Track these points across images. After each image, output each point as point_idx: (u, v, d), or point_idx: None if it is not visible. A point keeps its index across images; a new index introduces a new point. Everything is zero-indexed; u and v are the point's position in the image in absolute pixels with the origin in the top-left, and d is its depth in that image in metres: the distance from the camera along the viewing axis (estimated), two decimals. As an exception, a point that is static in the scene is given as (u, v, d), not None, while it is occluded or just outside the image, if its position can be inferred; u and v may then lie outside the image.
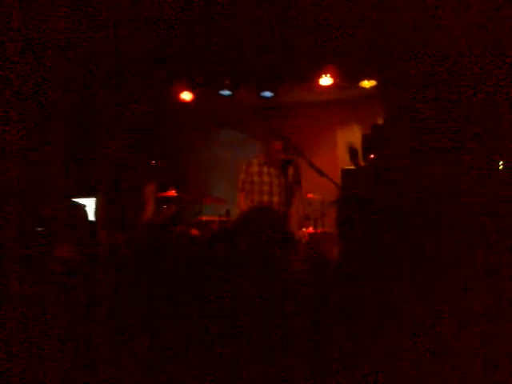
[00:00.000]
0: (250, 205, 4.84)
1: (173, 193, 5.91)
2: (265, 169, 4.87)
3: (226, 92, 6.56)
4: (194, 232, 5.25)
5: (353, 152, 4.94)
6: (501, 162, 4.00)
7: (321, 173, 4.51)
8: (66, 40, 4.77)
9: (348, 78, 6.29)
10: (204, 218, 5.68)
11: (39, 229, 4.22)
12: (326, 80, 6.21)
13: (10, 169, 3.95)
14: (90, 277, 3.63)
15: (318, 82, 6.25)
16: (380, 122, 5.53)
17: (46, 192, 4.74)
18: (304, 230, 5.51)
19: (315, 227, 5.31)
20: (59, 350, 3.02)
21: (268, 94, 6.58)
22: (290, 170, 4.80)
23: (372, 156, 4.96)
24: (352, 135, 7.20)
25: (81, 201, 5.44)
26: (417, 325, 3.18)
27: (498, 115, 3.98)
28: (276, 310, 3.34)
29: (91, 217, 5.03)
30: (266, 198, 4.82)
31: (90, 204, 5.19)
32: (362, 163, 4.83)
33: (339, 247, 5.10)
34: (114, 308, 3.38)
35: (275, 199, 4.81)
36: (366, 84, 6.21)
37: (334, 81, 6.22)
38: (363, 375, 2.81)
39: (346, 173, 4.90)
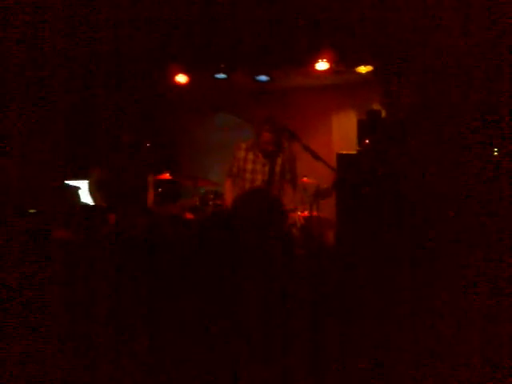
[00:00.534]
0: (236, 191, 4.83)
1: (167, 176, 5.90)
2: (251, 155, 4.83)
3: (222, 75, 6.54)
4: (189, 216, 5.25)
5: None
6: (495, 149, 4.03)
7: (316, 157, 4.52)
8: (66, 40, 4.75)
9: (344, 63, 6.27)
10: (198, 202, 5.67)
11: (33, 211, 4.21)
12: (322, 65, 6.19)
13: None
14: (90, 261, 3.63)
15: (314, 66, 6.23)
16: (376, 107, 5.54)
17: (41, 175, 4.73)
18: (299, 213, 5.53)
19: (310, 211, 5.32)
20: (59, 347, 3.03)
21: (264, 77, 6.56)
22: (279, 160, 4.81)
23: (367, 141, 4.98)
24: (347, 120, 7.21)
25: (75, 183, 5.45)
26: (415, 315, 3.21)
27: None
28: (275, 303, 3.37)
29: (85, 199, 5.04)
30: (249, 185, 4.80)
31: (83, 186, 5.20)
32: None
33: (335, 231, 5.13)
34: (112, 303, 3.39)
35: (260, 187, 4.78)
36: (363, 69, 6.20)
37: (330, 66, 6.20)
38: (363, 375, 2.84)
39: (341, 158, 4.91)
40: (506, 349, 2.88)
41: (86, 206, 4.83)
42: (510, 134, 3.90)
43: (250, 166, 4.83)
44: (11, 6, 4.02)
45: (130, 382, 2.83)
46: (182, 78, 6.65)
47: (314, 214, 5.31)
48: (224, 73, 6.50)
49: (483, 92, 4.14)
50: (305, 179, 5.87)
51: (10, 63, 4.13)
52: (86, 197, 5.02)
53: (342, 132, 7.34)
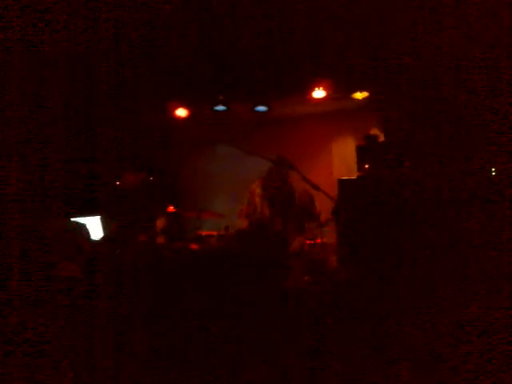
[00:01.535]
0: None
1: (171, 209, 5.97)
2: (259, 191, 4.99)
3: (221, 107, 6.64)
4: (194, 246, 5.29)
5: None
6: (493, 169, 4.07)
7: (315, 187, 4.61)
8: (66, 40, 4.81)
9: (340, 90, 6.37)
10: (203, 233, 5.73)
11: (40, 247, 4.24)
12: (318, 93, 6.29)
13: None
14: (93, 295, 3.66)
15: (311, 94, 6.33)
16: (373, 132, 5.62)
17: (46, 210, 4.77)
18: (305, 241, 5.59)
19: (314, 238, 5.39)
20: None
21: (262, 108, 6.66)
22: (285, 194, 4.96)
23: (367, 166, 5.04)
24: (347, 146, 7.28)
25: (81, 220, 5.48)
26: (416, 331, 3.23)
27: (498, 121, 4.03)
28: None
29: (94, 235, 5.07)
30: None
31: (90, 223, 5.24)
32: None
33: (338, 256, 5.17)
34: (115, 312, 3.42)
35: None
36: (359, 95, 6.30)
37: (327, 93, 6.31)
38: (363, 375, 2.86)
39: (342, 183, 4.97)
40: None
41: (95, 241, 4.87)
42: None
43: (259, 201, 4.98)
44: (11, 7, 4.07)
45: (130, 381, 2.85)
46: (181, 112, 6.76)
47: (318, 240, 5.37)
48: (223, 105, 6.60)
49: (484, 109, 4.18)
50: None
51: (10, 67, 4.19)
52: (94, 232, 5.06)
53: (342, 158, 7.40)
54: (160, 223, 5.62)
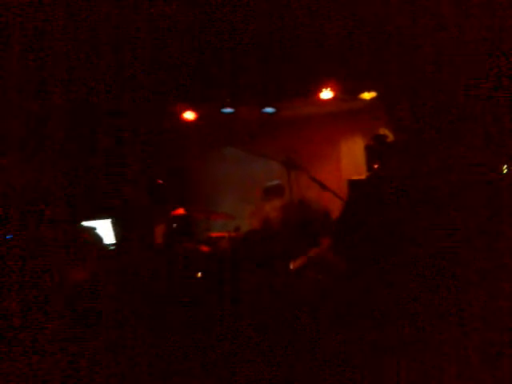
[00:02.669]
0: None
1: (181, 211, 5.98)
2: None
3: (228, 110, 6.65)
4: (205, 249, 5.31)
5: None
6: (505, 166, 4.06)
7: (323, 186, 4.61)
8: (66, 41, 4.82)
9: (348, 90, 6.37)
10: (213, 235, 5.74)
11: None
12: (326, 94, 6.30)
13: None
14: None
15: (318, 95, 6.34)
16: (382, 132, 5.61)
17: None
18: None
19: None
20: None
21: (270, 109, 6.67)
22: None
23: (376, 166, 5.04)
24: (356, 146, 7.28)
25: (90, 224, 5.51)
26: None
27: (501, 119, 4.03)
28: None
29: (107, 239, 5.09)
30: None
31: (100, 227, 5.26)
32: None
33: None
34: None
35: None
36: (367, 96, 6.30)
37: (335, 94, 6.31)
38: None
39: (352, 184, 4.97)
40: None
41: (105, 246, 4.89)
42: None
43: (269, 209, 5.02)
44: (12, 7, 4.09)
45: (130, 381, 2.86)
46: (189, 115, 6.78)
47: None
48: (231, 107, 6.61)
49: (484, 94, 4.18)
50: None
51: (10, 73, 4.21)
52: (105, 236, 5.08)
53: (351, 158, 7.40)
54: (160, 228, 5.62)
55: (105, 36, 5.00)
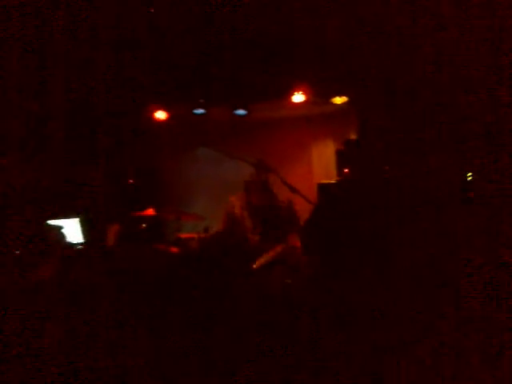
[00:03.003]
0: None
1: (151, 211, 5.93)
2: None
3: (200, 110, 6.64)
4: (174, 250, 5.27)
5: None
6: (469, 174, 4.12)
7: (293, 190, 4.63)
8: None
9: (319, 94, 6.41)
10: (183, 236, 5.71)
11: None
12: (298, 97, 6.33)
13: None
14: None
15: (290, 99, 6.36)
16: (353, 136, 5.67)
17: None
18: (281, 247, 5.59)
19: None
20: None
21: (242, 111, 6.68)
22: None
23: (346, 170, 5.08)
24: (327, 151, 7.33)
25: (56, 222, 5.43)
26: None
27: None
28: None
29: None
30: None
31: (66, 225, 5.18)
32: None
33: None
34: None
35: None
36: (338, 100, 6.35)
37: (307, 97, 6.34)
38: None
39: (322, 187, 5.00)
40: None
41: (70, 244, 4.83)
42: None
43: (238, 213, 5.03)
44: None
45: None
46: (161, 115, 6.75)
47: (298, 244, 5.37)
48: (203, 108, 6.60)
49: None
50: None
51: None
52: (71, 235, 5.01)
53: (322, 162, 7.44)
54: (114, 228, 5.57)
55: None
